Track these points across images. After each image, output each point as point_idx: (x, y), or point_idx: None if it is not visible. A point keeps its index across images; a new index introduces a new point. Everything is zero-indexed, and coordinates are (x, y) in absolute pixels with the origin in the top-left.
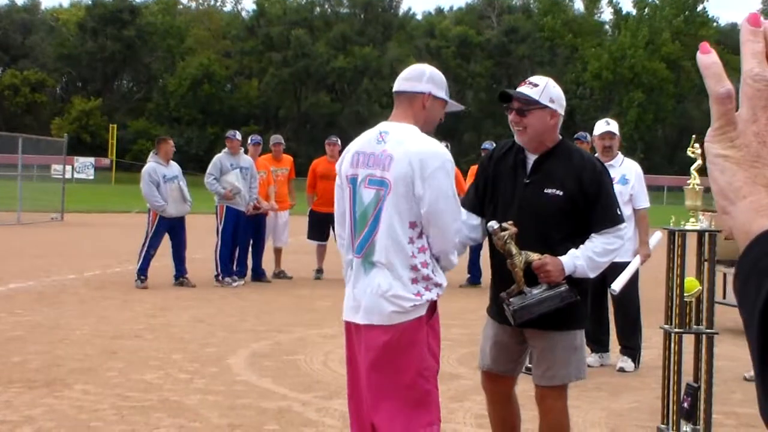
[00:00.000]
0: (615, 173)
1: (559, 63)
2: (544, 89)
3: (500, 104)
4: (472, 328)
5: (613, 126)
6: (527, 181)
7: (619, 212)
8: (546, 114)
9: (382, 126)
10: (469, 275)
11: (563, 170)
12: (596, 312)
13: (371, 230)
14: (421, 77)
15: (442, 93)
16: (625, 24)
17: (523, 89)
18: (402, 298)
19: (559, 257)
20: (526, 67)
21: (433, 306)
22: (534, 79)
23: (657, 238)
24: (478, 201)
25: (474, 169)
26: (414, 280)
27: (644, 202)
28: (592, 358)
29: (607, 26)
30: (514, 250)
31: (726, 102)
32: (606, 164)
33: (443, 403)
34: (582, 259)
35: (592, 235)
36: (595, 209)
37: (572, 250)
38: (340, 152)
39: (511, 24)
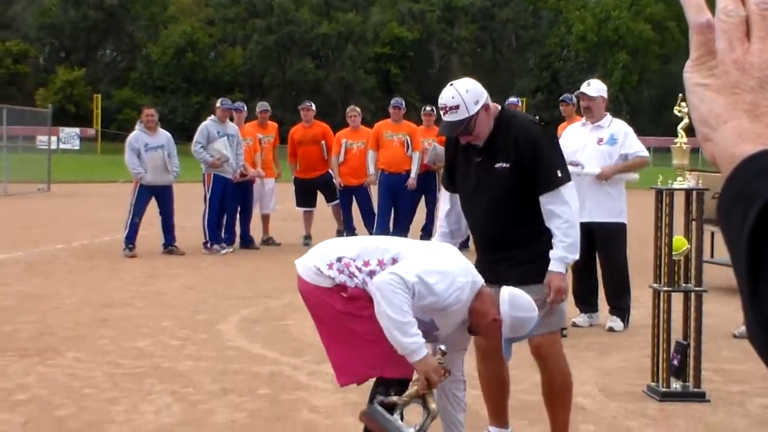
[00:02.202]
0: (603, 134)
1: (543, 26)
2: (464, 103)
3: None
4: None
5: (592, 88)
6: (479, 159)
7: (560, 173)
8: (483, 113)
9: None
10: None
11: (505, 142)
12: (585, 273)
13: None
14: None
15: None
16: None
17: (450, 118)
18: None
19: (550, 271)
20: (510, 31)
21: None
22: (448, 102)
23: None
24: (450, 179)
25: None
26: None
27: (641, 151)
28: (581, 319)
29: None
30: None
31: (706, 32)
32: (593, 125)
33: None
34: (562, 254)
35: (540, 198)
36: (536, 173)
37: (551, 254)
38: (317, 118)
39: None
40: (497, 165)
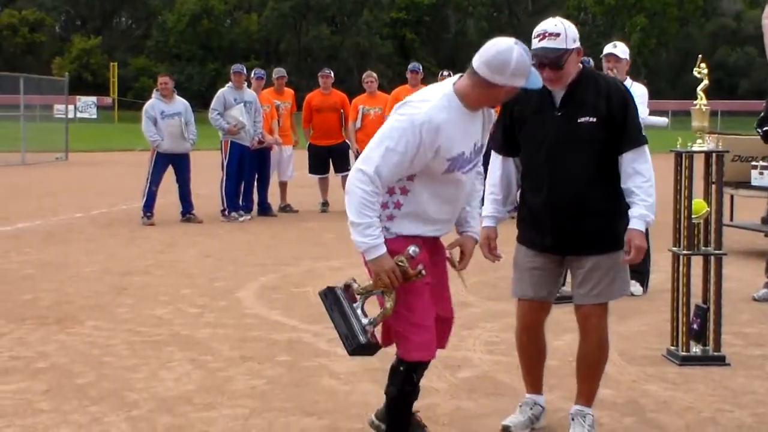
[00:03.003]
0: None
1: None
2: (565, 33)
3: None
4: (479, 257)
5: (619, 49)
6: (558, 113)
7: (643, 132)
8: (575, 55)
9: None
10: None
11: (593, 97)
12: None
13: None
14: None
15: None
16: None
17: (548, 44)
18: None
19: (632, 228)
20: None
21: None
22: (549, 28)
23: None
24: (506, 142)
25: None
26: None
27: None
28: None
29: None
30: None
31: None
32: None
33: (454, 330)
34: (644, 213)
35: (623, 156)
36: (624, 130)
37: (632, 213)
38: (334, 84)
39: None
40: (582, 119)
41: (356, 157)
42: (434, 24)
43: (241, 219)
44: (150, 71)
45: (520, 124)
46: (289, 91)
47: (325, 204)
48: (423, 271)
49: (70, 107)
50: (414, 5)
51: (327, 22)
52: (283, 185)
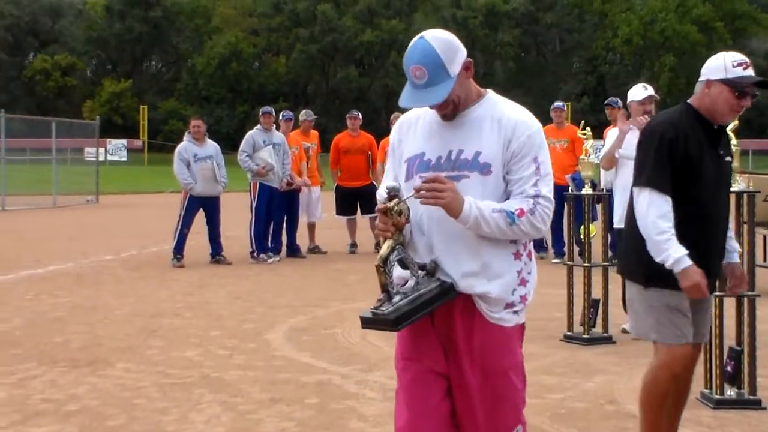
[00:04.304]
0: None
1: (588, 30)
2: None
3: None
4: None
5: (651, 90)
6: (720, 151)
7: None
8: None
9: None
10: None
11: (726, 136)
12: None
13: None
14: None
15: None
16: None
17: (752, 73)
18: None
19: (736, 262)
20: (554, 35)
21: None
22: (745, 57)
23: None
24: (671, 181)
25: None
26: None
27: None
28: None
29: None
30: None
31: None
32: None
33: None
34: (737, 245)
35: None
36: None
37: (734, 246)
38: (362, 126)
39: None
40: (727, 158)
41: None
42: None
43: (270, 260)
44: (179, 114)
45: (688, 162)
46: (314, 133)
47: (353, 245)
48: (399, 208)
49: (101, 150)
50: None
51: (355, 63)
52: (311, 227)
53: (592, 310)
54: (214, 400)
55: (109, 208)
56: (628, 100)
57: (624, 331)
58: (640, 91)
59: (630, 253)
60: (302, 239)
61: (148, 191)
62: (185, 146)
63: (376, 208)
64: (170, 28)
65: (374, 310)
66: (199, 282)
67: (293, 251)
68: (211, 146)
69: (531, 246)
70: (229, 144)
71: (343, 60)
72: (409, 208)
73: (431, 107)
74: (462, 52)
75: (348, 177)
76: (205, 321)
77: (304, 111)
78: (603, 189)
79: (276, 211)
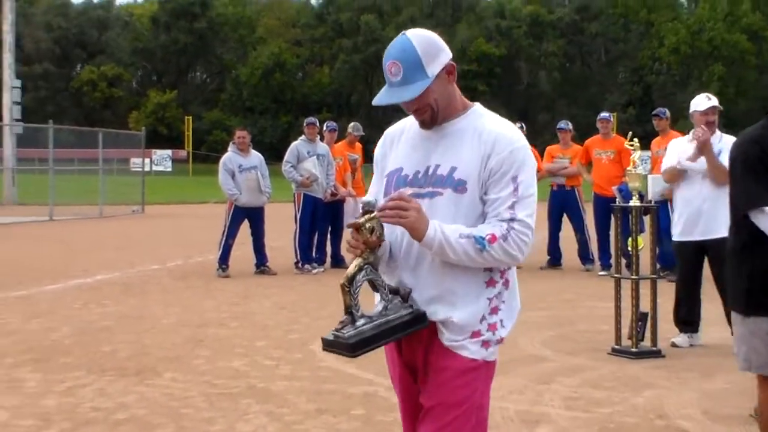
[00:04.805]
0: (715, 148)
1: (633, 39)
2: None
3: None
4: (555, 311)
5: (715, 100)
6: None
7: None
8: None
9: None
10: (549, 257)
11: None
12: (692, 292)
13: None
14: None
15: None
16: None
17: None
18: None
19: None
20: (599, 45)
21: None
22: None
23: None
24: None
25: (551, 149)
26: None
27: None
28: (680, 339)
29: None
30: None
31: None
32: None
33: (530, 385)
34: None
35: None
36: None
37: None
38: None
39: (583, 1)
40: None
41: None
42: (506, 75)
43: (314, 271)
44: (224, 124)
45: None
46: (358, 144)
47: None
48: (371, 225)
49: (146, 160)
50: (485, 57)
51: None
52: None
53: (640, 323)
54: (261, 410)
55: (155, 218)
56: (691, 110)
57: (673, 344)
58: (703, 101)
59: (733, 279)
60: None
61: (193, 201)
62: (230, 157)
63: (347, 224)
64: (215, 39)
65: (335, 332)
66: (244, 292)
67: (338, 262)
68: (256, 157)
69: (511, 274)
70: (273, 154)
71: None
72: (382, 226)
73: (408, 110)
74: (445, 53)
75: None
76: (250, 331)
77: (352, 124)
78: (651, 201)
79: (320, 221)
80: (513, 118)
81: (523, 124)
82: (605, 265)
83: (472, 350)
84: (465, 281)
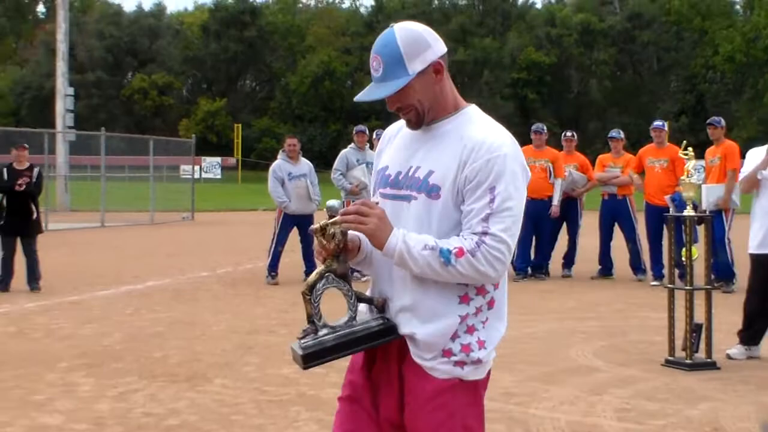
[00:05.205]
0: None
1: (686, 47)
2: None
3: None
4: (606, 321)
5: None
6: None
7: None
8: None
9: None
10: (600, 266)
11: None
12: (763, 304)
13: None
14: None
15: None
16: (759, 2)
17: None
18: None
19: None
20: (651, 53)
21: None
22: None
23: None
24: None
25: (602, 158)
26: None
27: None
28: (735, 350)
29: (738, 6)
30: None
31: None
32: None
33: (582, 395)
34: None
35: None
36: None
37: None
38: None
39: (635, 9)
40: None
41: None
42: (556, 84)
43: (363, 279)
44: (273, 132)
45: None
46: None
47: None
48: (333, 231)
49: (196, 168)
50: (535, 65)
51: None
52: None
53: (694, 334)
54: (311, 418)
55: (205, 225)
56: None
57: (729, 356)
58: None
59: None
60: None
61: (242, 209)
62: (279, 165)
63: (310, 229)
64: (264, 48)
65: (299, 341)
66: (293, 299)
67: None
68: (305, 164)
69: (498, 293)
70: (322, 162)
71: None
72: (344, 233)
73: (390, 109)
74: (431, 50)
75: None
76: None
77: None
78: (705, 211)
79: None
80: (562, 127)
81: (574, 133)
82: (657, 275)
83: (443, 370)
84: (435, 294)
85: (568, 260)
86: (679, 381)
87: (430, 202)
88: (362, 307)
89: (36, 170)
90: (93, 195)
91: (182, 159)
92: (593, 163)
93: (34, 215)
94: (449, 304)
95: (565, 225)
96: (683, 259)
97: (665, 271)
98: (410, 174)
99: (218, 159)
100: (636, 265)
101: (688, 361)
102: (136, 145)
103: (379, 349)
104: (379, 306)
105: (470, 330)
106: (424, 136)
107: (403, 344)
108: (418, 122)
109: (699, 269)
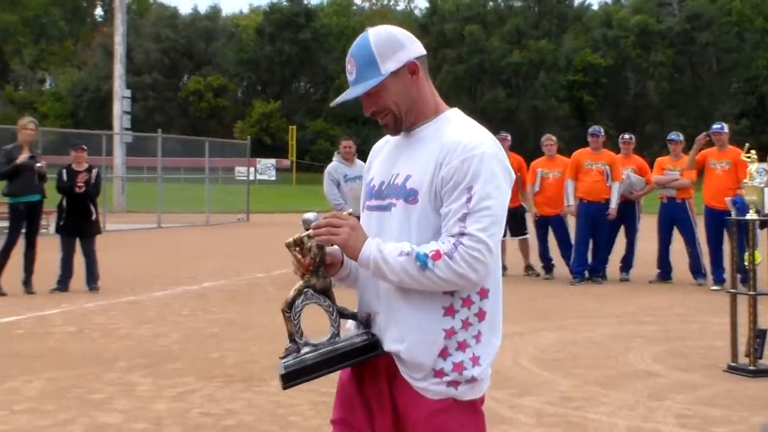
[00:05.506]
0: None
1: (748, 48)
2: None
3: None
4: (666, 325)
5: None
6: None
7: None
8: None
9: None
10: (659, 270)
11: None
12: None
13: None
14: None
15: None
16: None
17: None
18: None
19: None
20: (711, 55)
21: None
22: None
23: None
24: None
25: (661, 161)
26: None
27: None
28: None
29: None
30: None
31: None
32: None
33: (641, 400)
34: None
35: None
36: None
37: None
38: (511, 147)
39: (694, 9)
40: None
41: (534, 221)
42: (612, 86)
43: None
44: (327, 134)
45: None
46: None
47: (503, 268)
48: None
49: (251, 169)
50: (591, 67)
51: (502, 84)
52: None
53: (758, 340)
54: None
55: (260, 227)
56: None
57: None
58: None
59: None
60: None
61: (297, 210)
62: (335, 166)
63: (285, 243)
64: (319, 50)
65: (281, 361)
66: (349, 300)
67: None
68: (361, 166)
69: (489, 303)
70: None
71: (490, 81)
72: (320, 247)
73: (366, 113)
74: (405, 50)
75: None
76: None
77: None
78: None
79: None
80: (618, 129)
81: (632, 136)
82: (718, 280)
83: (435, 391)
84: (418, 305)
85: (626, 264)
86: (743, 388)
87: (408, 208)
88: (351, 323)
89: (95, 171)
90: (149, 196)
91: (237, 161)
92: (651, 166)
93: (93, 216)
94: (433, 317)
95: (623, 228)
96: (746, 263)
97: (726, 276)
98: (392, 182)
99: (273, 161)
100: (696, 269)
101: (751, 368)
102: (192, 146)
103: (367, 366)
104: (364, 321)
105: (462, 346)
106: (405, 142)
107: (391, 361)
108: (396, 127)
109: (762, 274)
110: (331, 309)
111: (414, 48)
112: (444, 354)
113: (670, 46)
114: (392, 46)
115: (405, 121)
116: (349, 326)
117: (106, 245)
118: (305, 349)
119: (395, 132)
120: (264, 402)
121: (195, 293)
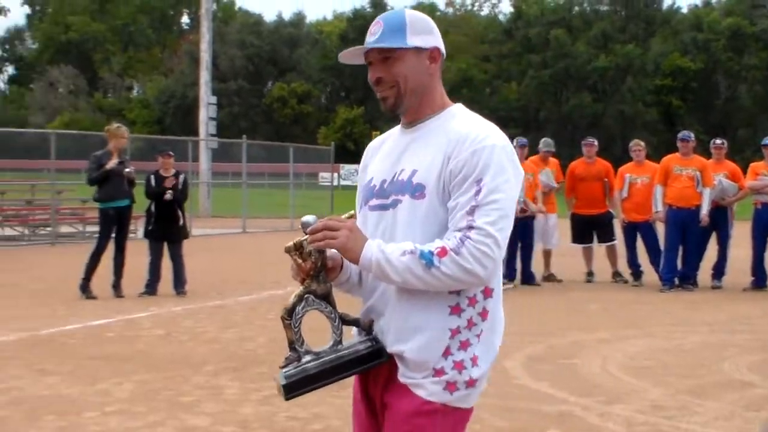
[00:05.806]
0: None
1: None
2: None
3: None
4: (761, 334)
5: None
6: None
7: None
8: None
9: None
10: (753, 278)
11: None
12: None
13: None
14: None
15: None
16: None
17: None
18: None
19: None
20: None
21: None
22: None
23: None
24: None
25: (754, 166)
26: None
27: None
28: None
29: None
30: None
31: None
32: None
33: (737, 411)
34: None
35: None
36: None
37: None
38: (597, 153)
39: None
40: None
41: (622, 227)
42: (702, 90)
43: (504, 288)
44: None
45: None
46: (554, 161)
47: (590, 274)
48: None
49: (335, 175)
50: (681, 71)
51: (588, 89)
52: (547, 254)
53: None
54: None
55: None
56: None
57: None
58: None
59: None
60: (537, 266)
61: None
62: None
63: (285, 248)
64: None
65: (282, 371)
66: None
67: (528, 278)
68: None
69: (492, 302)
70: None
71: (576, 86)
72: (320, 251)
73: (371, 80)
74: (434, 36)
75: (584, 205)
76: None
77: (543, 140)
78: None
79: (510, 238)
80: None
81: (724, 141)
82: None
83: (430, 390)
84: (423, 306)
85: (718, 271)
86: None
87: (415, 204)
88: (355, 330)
89: (182, 177)
90: (234, 201)
91: (321, 166)
92: (744, 171)
93: (181, 221)
94: (439, 316)
95: (714, 235)
96: None
97: None
98: (396, 179)
99: (356, 166)
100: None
101: None
102: (276, 152)
103: (371, 375)
104: (366, 327)
105: (464, 345)
106: (408, 138)
107: (392, 366)
108: (395, 103)
109: None
110: (333, 315)
111: (441, 41)
112: (446, 353)
113: (764, 49)
114: (424, 26)
115: (405, 101)
116: (353, 332)
117: (193, 250)
118: (306, 358)
119: (392, 108)
120: (349, 406)
121: (280, 298)
